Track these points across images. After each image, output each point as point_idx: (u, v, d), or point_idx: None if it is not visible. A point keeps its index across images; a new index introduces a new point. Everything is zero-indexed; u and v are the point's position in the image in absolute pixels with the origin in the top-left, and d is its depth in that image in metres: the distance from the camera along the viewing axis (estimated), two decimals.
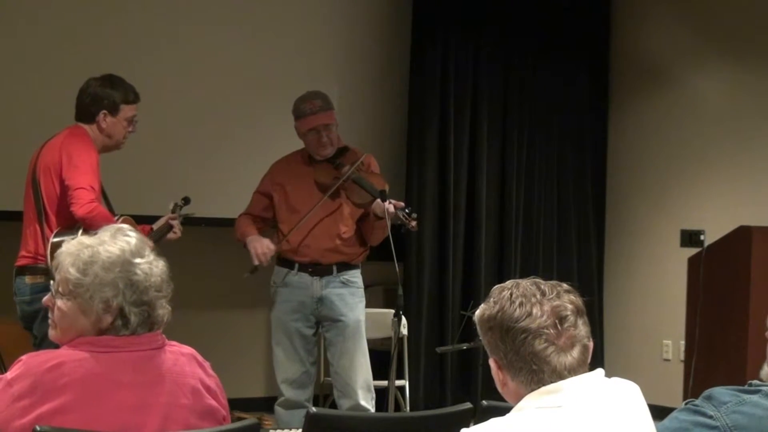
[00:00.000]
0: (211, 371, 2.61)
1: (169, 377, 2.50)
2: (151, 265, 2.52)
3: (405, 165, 7.38)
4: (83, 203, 4.56)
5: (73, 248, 2.52)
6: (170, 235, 5.14)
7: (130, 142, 5.00)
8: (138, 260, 2.50)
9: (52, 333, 2.55)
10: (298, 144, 5.54)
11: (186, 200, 5.25)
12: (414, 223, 5.26)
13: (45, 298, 2.57)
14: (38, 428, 2.32)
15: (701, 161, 7.58)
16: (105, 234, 2.54)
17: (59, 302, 2.51)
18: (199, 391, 2.54)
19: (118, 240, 2.52)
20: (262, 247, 5.35)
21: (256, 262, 5.35)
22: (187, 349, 2.59)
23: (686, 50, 7.69)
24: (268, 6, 7.11)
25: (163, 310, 2.54)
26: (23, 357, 2.44)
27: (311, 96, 5.43)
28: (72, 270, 2.48)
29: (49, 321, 2.56)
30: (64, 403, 2.37)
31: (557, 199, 7.85)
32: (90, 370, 2.41)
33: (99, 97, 4.82)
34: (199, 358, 2.60)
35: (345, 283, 5.43)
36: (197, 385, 2.54)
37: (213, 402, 2.57)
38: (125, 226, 2.62)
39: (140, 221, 5.12)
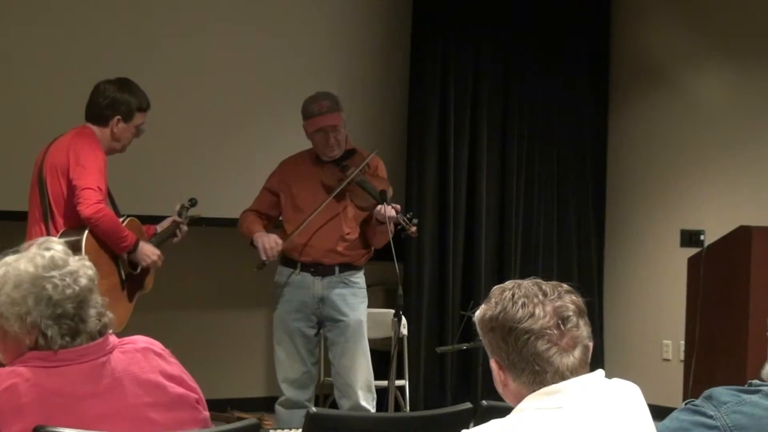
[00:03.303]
0: (172, 359, 2.57)
1: (126, 378, 2.46)
2: (71, 276, 2.45)
3: (405, 165, 7.38)
4: (90, 203, 4.57)
5: None
6: (173, 239, 5.16)
7: (135, 142, 5.01)
8: (52, 273, 2.44)
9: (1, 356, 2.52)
10: (302, 144, 5.54)
11: (192, 202, 5.26)
12: (414, 229, 5.26)
13: None
14: (38, 428, 2.30)
15: (701, 161, 7.58)
16: (31, 247, 2.49)
17: None
18: (161, 385, 2.50)
19: (35, 255, 2.46)
20: (269, 242, 5.32)
21: (264, 258, 5.33)
22: (141, 343, 2.55)
23: (686, 50, 7.69)
24: (269, 7, 7.11)
25: (96, 320, 2.47)
26: None
27: (320, 97, 5.42)
28: None
29: None
30: (26, 426, 2.32)
31: (557, 199, 7.85)
32: (46, 388, 2.37)
33: (116, 102, 4.83)
34: (156, 347, 2.56)
35: (347, 284, 5.42)
36: (158, 378, 2.50)
37: (180, 389, 2.53)
38: (53, 238, 2.57)
39: (144, 221, 5.13)
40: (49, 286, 2.42)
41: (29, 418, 2.32)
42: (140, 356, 2.50)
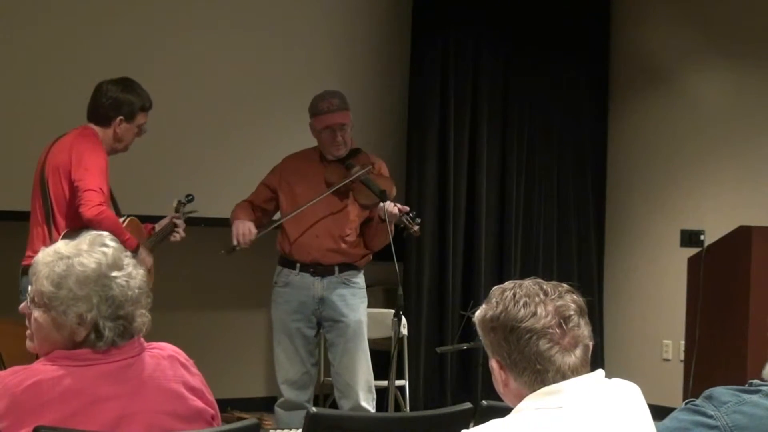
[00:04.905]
0: (194, 369, 2.56)
1: (150, 384, 2.45)
2: (129, 278, 2.45)
3: (405, 165, 7.38)
4: (92, 205, 4.56)
5: (49, 258, 2.46)
6: (172, 237, 5.14)
7: (133, 142, 5.00)
8: (115, 273, 2.43)
9: (29, 344, 2.50)
10: (300, 143, 5.54)
11: (189, 197, 5.25)
12: (416, 228, 5.27)
13: (21, 306, 2.52)
14: (39, 427, 2.29)
15: (701, 161, 7.58)
16: (83, 242, 2.47)
17: (35, 313, 2.46)
18: (182, 395, 2.49)
19: (94, 251, 2.45)
20: (244, 228, 5.30)
21: (235, 243, 5.31)
22: (169, 351, 2.54)
23: (686, 50, 7.69)
24: (268, 7, 7.11)
25: (142, 320, 2.48)
26: None
27: (329, 94, 5.43)
28: (46, 282, 2.43)
29: (27, 332, 2.50)
30: (45, 423, 2.31)
31: (557, 199, 7.85)
32: (68, 387, 2.36)
33: (119, 102, 4.82)
34: (182, 357, 2.55)
35: (347, 284, 5.42)
36: (180, 388, 2.49)
37: (199, 403, 2.52)
38: (105, 233, 2.55)
39: (143, 221, 5.13)
40: (114, 287, 2.42)
41: (49, 416, 2.32)
42: (166, 364, 2.50)
